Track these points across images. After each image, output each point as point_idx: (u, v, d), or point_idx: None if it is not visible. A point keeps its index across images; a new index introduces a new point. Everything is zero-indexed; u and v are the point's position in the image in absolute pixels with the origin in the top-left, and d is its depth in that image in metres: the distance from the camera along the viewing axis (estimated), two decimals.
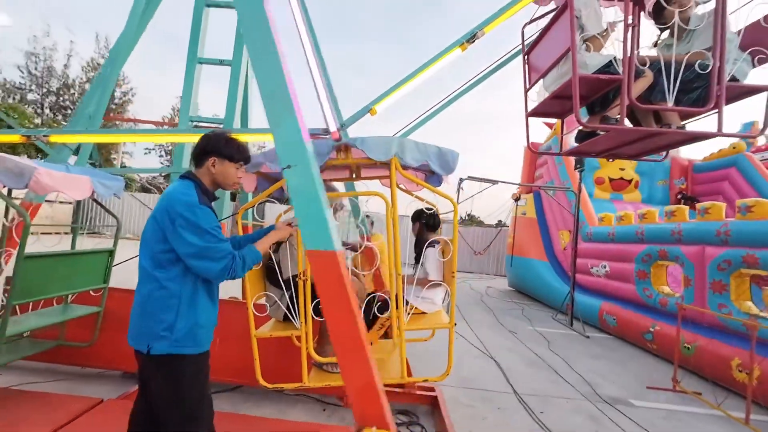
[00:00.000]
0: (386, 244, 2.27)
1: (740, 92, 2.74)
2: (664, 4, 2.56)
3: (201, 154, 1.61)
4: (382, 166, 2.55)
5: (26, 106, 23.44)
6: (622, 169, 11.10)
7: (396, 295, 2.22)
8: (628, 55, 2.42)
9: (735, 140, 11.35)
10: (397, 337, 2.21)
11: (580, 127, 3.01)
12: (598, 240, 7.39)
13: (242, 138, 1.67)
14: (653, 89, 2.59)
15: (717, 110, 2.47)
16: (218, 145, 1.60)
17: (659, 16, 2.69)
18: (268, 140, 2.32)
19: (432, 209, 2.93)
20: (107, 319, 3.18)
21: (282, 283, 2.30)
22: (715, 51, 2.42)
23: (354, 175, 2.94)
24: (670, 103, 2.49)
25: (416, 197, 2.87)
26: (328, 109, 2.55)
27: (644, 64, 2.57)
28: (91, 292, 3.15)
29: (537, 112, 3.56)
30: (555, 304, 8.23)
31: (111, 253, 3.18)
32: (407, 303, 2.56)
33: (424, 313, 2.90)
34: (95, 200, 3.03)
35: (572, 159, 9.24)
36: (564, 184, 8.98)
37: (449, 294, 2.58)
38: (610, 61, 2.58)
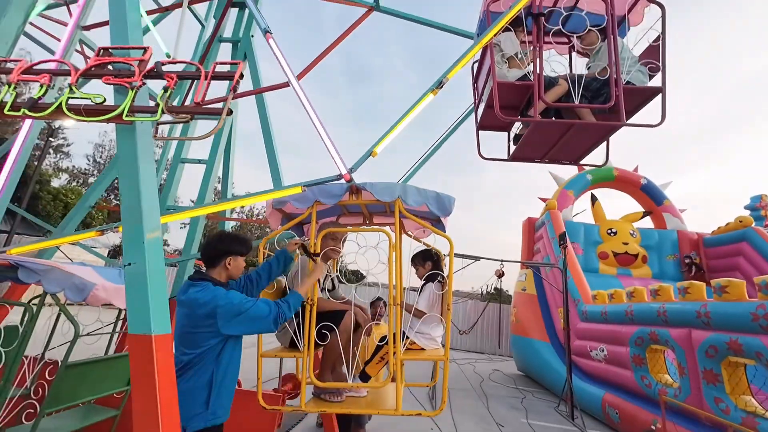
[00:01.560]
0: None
1: (639, 94, 3.51)
2: (576, 41, 3.76)
3: (218, 255, 1.95)
4: (392, 214, 2.93)
5: (85, 188, 26.82)
6: (626, 243, 10.81)
7: (394, 328, 2.30)
8: (537, 70, 3.32)
9: (745, 213, 11.03)
10: (393, 367, 2.29)
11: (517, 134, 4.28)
12: (593, 320, 6.97)
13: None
14: (571, 95, 3.40)
15: (617, 106, 3.22)
16: (232, 246, 1.98)
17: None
18: (250, 202, 2.74)
19: (432, 250, 3.08)
20: (123, 420, 3.15)
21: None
22: (611, 65, 3.24)
23: (367, 222, 3.27)
24: (577, 101, 3.33)
25: (423, 242, 3.25)
26: (337, 156, 2.91)
27: (556, 78, 3.48)
28: (114, 395, 3.16)
29: (483, 125, 4.56)
30: (559, 391, 7.45)
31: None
32: (406, 337, 2.64)
33: (422, 349, 2.91)
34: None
35: (564, 232, 9.23)
36: (558, 259, 8.82)
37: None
38: (525, 74, 3.49)
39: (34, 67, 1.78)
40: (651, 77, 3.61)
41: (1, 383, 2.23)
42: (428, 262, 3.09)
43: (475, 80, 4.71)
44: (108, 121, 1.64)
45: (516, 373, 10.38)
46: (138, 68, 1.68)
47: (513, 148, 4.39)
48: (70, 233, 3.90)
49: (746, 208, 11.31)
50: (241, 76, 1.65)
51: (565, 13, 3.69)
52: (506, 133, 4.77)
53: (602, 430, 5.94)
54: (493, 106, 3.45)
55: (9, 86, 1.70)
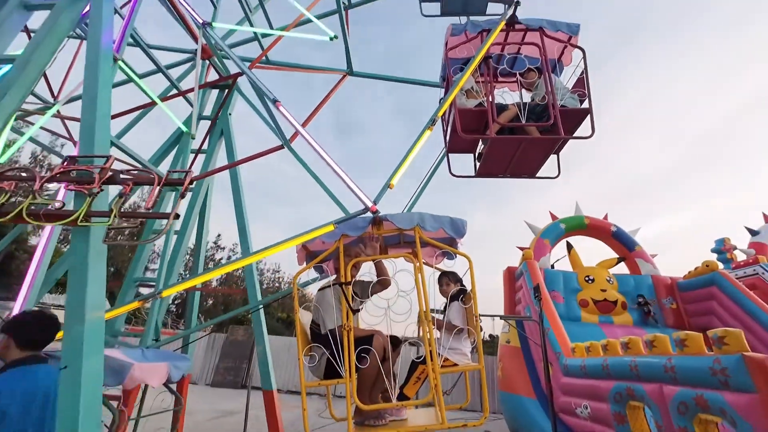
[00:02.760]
0: None
1: (573, 114, 4.57)
2: (520, 78, 4.88)
3: None
4: (405, 245, 3.41)
5: (66, 246, 26.22)
6: (604, 290, 10.96)
7: (430, 344, 2.66)
8: (489, 98, 4.53)
9: (711, 257, 11.49)
10: (433, 380, 2.66)
11: (480, 152, 5.35)
12: (574, 374, 6.87)
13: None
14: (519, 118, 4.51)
15: (555, 124, 4.42)
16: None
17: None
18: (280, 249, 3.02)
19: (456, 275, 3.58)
20: None
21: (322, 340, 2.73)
22: (547, 93, 4.45)
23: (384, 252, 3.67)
24: (524, 121, 4.46)
25: (436, 267, 3.70)
26: (359, 191, 3.23)
27: (507, 105, 4.70)
28: None
29: (452, 149, 5.56)
30: None
31: None
32: (439, 354, 2.93)
33: (455, 364, 3.17)
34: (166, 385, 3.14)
35: (542, 282, 9.37)
36: (536, 311, 8.86)
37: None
38: (481, 102, 4.54)
39: (4, 174, 1.96)
40: (582, 102, 4.68)
41: None
42: (454, 281, 3.52)
43: (444, 117, 5.85)
44: (64, 224, 1.79)
45: None
46: (98, 175, 1.88)
47: (479, 165, 5.48)
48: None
49: (712, 251, 11.81)
50: (192, 182, 1.86)
51: (508, 57, 5.02)
52: (472, 155, 5.71)
53: None
54: (457, 130, 4.34)
55: None
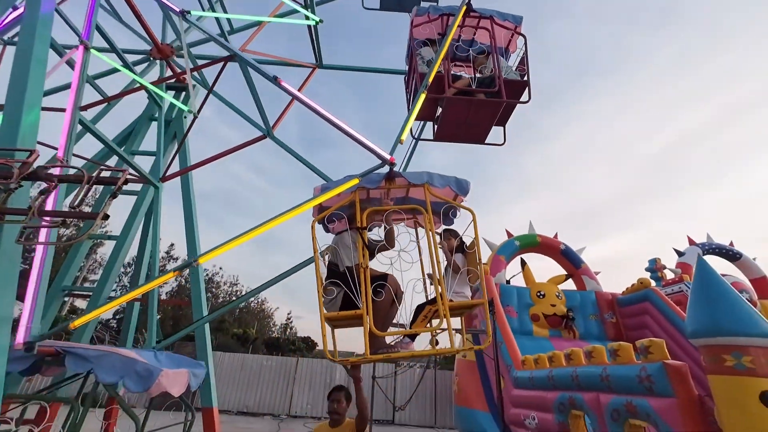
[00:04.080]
0: None
1: (514, 84, 5.40)
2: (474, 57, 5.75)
3: None
4: (408, 213, 3.79)
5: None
6: (554, 305, 11.59)
7: (439, 282, 3.16)
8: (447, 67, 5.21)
9: (644, 275, 12.60)
10: (443, 310, 3.06)
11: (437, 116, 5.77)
12: (524, 386, 7.14)
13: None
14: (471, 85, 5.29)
15: (500, 91, 5.11)
16: None
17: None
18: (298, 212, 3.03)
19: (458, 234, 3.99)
20: None
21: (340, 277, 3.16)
22: (494, 68, 5.25)
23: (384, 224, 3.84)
24: (474, 86, 5.21)
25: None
26: (373, 146, 3.69)
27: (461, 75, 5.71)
28: None
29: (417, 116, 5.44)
30: None
31: None
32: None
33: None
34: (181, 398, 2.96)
35: (497, 297, 9.73)
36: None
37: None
38: (440, 70, 5.01)
39: None
40: (522, 77, 5.52)
41: None
42: (455, 236, 3.93)
43: (407, 83, 6.59)
44: None
45: None
46: (18, 170, 1.74)
47: (436, 129, 5.80)
48: None
49: (646, 270, 12.95)
50: (126, 182, 1.78)
51: (464, 42, 5.93)
52: (432, 122, 6.23)
53: None
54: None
55: None
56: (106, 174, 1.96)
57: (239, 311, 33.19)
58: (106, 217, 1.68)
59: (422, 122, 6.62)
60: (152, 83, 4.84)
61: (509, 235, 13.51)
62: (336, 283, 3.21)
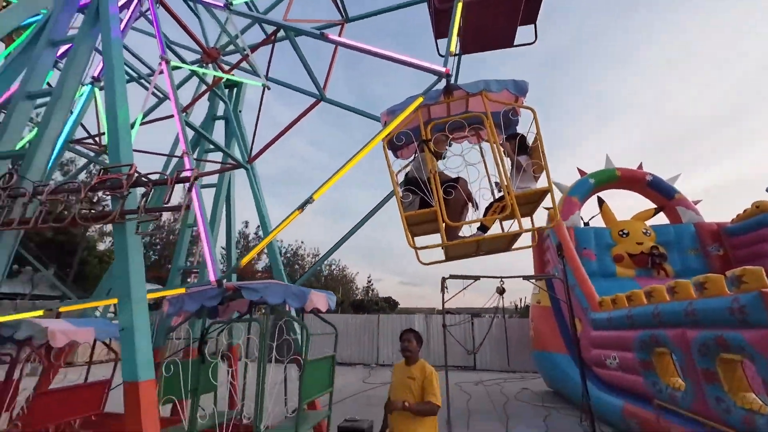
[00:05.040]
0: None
1: None
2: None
3: None
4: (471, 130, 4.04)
5: None
6: (640, 243, 10.55)
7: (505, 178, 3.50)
8: None
9: (762, 198, 10.54)
10: (509, 200, 3.43)
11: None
12: (602, 327, 6.90)
13: None
14: None
15: None
16: None
17: None
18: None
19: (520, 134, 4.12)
20: None
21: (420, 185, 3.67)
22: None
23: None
24: None
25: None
26: (426, 63, 3.98)
27: None
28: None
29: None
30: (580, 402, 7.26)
31: (333, 357, 3.70)
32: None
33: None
34: (317, 312, 3.42)
35: (569, 241, 9.24)
36: (563, 269, 8.80)
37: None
38: None
39: (57, 188, 2.45)
40: None
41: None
42: (516, 137, 4.02)
43: (429, 3, 5.48)
44: (104, 223, 2.25)
45: (545, 390, 10.08)
46: (125, 181, 2.31)
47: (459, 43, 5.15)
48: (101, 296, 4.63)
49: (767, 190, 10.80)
50: (197, 178, 2.23)
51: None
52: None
53: None
54: None
55: (41, 204, 2.37)
56: (184, 175, 2.46)
57: (324, 279, 36.30)
58: (188, 207, 2.16)
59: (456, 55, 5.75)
60: (213, 84, 5.48)
61: (582, 173, 12.31)
62: (412, 190, 3.64)
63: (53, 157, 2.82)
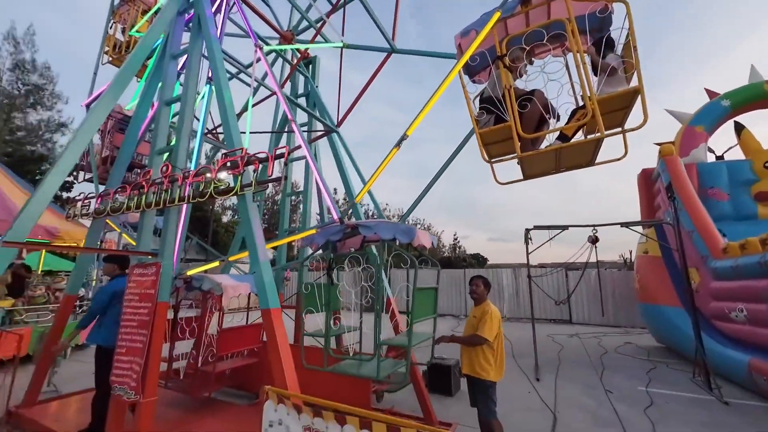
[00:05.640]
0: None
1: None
2: None
3: None
4: (551, 39, 3.67)
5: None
6: None
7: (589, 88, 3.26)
8: None
9: None
10: (590, 105, 3.24)
11: None
12: (726, 277, 5.98)
13: None
14: None
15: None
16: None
17: None
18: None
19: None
20: None
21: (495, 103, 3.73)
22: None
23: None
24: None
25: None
26: None
27: None
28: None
29: None
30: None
31: (436, 289, 3.69)
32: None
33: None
34: (419, 247, 3.40)
35: (686, 180, 7.89)
36: (678, 213, 7.61)
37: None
38: None
39: (197, 172, 3.27)
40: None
41: None
42: (602, 40, 3.67)
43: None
44: (230, 195, 2.96)
45: (653, 345, 9.29)
46: (241, 162, 2.96)
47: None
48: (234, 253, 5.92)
49: None
50: (290, 152, 2.74)
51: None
52: None
53: (748, 399, 5.19)
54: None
55: (180, 187, 3.21)
56: (279, 152, 3.02)
57: None
58: (285, 179, 2.70)
59: None
60: (297, 60, 6.03)
61: (711, 95, 9.93)
62: (487, 109, 3.66)
63: (196, 148, 3.75)
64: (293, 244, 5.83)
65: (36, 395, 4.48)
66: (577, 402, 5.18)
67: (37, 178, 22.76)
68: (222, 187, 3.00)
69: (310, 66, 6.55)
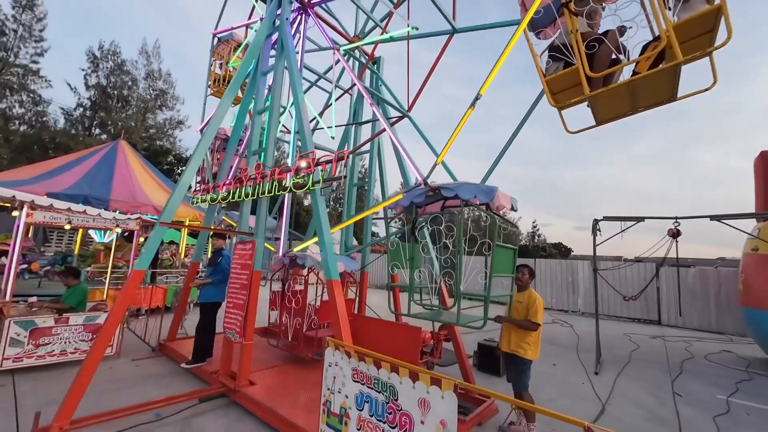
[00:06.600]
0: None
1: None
2: None
3: None
4: None
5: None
6: None
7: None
8: None
9: None
10: (665, 35, 2.95)
11: None
12: None
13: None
14: None
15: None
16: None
17: None
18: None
19: None
20: None
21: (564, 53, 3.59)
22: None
23: None
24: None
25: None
26: None
27: None
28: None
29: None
30: None
31: (516, 249, 3.95)
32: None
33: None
34: (499, 208, 3.58)
35: None
36: None
37: None
38: None
39: (281, 169, 4.12)
40: None
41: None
42: None
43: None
44: (304, 191, 3.73)
45: (757, 357, 8.07)
46: (312, 162, 3.70)
47: None
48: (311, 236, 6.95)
49: None
50: (346, 156, 3.37)
51: None
52: None
53: None
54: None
55: (272, 183, 4.09)
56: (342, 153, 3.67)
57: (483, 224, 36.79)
58: (345, 177, 3.34)
59: None
60: (369, 58, 6.60)
61: None
62: (555, 57, 3.58)
63: (291, 149, 4.69)
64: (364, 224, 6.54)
65: (174, 334, 6.12)
66: (636, 399, 5.05)
67: (165, 168, 28.10)
68: (300, 182, 3.78)
69: (376, 66, 7.12)
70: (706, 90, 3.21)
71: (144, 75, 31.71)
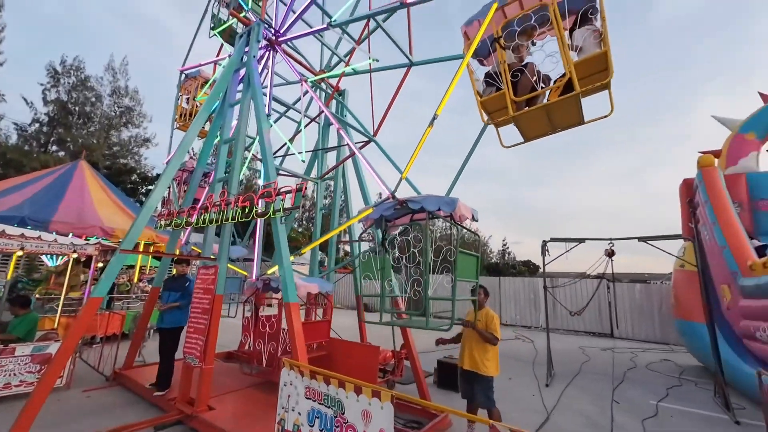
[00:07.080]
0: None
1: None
2: None
3: None
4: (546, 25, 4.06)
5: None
6: None
7: None
8: None
9: None
10: (568, 69, 3.83)
11: None
12: (753, 295, 5.81)
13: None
14: None
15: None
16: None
17: None
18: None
19: None
20: None
21: None
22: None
23: None
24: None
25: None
26: None
27: None
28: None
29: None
30: (727, 380, 6.42)
31: (479, 257, 4.11)
32: None
33: None
34: (461, 219, 3.79)
35: (722, 192, 7.59)
36: (712, 227, 7.37)
37: None
38: None
39: (244, 197, 4.34)
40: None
41: None
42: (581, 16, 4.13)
43: None
44: (265, 218, 3.97)
45: (691, 364, 8.87)
46: (273, 192, 3.97)
47: None
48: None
49: None
50: (306, 187, 3.66)
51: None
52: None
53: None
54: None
55: (235, 210, 4.29)
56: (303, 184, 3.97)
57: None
58: (298, 208, 3.63)
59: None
60: (334, 90, 6.99)
61: (766, 99, 9.19)
62: (488, 83, 4.33)
63: (263, 177, 4.93)
64: (340, 246, 6.86)
65: (132, 362, 5.96)
66: (579, 408, 5.47)
67: (129, 186, 27.02)
68: (261, 211, 4.02)
69: (342, 97, 7.58)
70: (605, 117, 4.04)
71: (109, 92, 30.85)
